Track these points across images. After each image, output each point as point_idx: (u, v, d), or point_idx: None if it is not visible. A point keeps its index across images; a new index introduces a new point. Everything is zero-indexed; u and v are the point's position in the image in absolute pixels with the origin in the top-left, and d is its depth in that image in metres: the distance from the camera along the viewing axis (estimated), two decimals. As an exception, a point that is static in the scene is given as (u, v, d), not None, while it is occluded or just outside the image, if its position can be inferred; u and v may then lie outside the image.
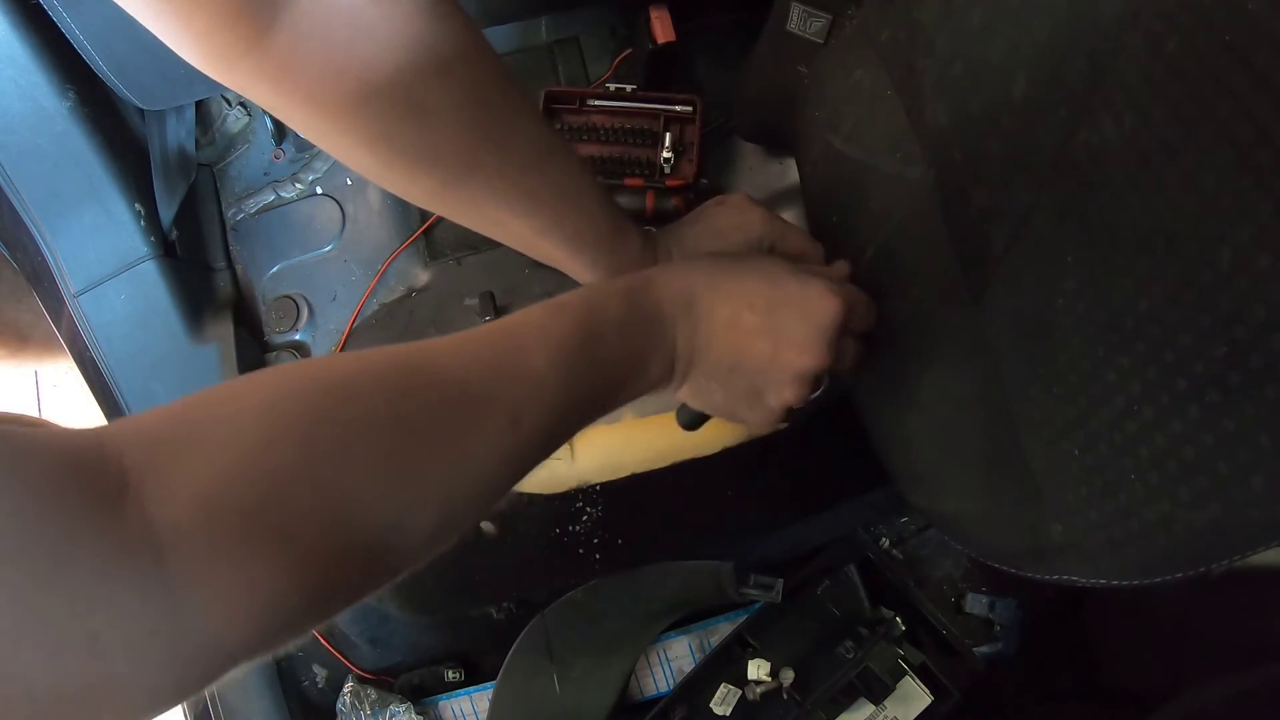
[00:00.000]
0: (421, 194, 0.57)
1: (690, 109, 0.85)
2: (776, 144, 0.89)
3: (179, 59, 0.79)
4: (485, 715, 0.84)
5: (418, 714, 0.83)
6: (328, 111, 0.50)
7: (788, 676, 0.77)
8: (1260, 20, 0.31)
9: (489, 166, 0.55)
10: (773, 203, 0.89)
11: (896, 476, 0.71)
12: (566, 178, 0.58)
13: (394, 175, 0.54)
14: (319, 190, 0.96)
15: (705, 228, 0.69)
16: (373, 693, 0.85)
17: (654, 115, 0.85)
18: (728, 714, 0.78)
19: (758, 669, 0.77)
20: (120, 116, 0.88)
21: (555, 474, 0.81)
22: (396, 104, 0.50)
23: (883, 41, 0.66)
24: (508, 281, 0.91)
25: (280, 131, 0.95)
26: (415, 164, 0.54)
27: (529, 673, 0.81)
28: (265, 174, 0.96)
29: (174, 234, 0.90)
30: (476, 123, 0.53)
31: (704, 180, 0.88)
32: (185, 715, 0.92)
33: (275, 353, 0.94)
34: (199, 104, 0.93)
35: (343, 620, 0.87)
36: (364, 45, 0.47)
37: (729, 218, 0.68)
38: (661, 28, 0.83)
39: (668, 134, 0.85)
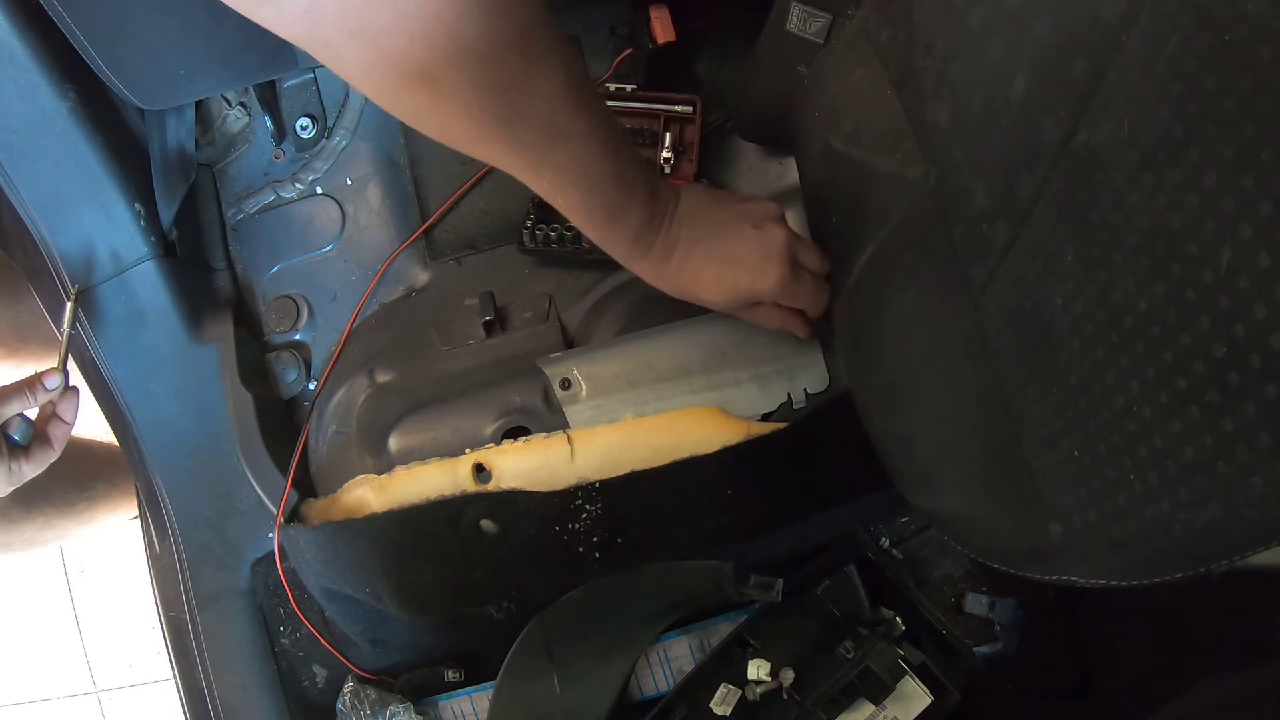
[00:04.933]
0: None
1: (690, 109, 0.85)
2: (776, 144, 0.89)
3: (179, 59, 0.79)
4: (485, 715, 0.84)
5: (418, 714, 0.83)
6: (343, 66, 0.52)
7: (788, 676, 0.77)
8: (1260, 19, 0.31)
9: (495, 142, 0.56)
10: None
11: (896, 476, 0.71)
12: (573, 160, 0.59)
13: (409, 124, 0.58)
14: (319, 190, 0.96)
15: (719, 245, 0.69)
16: (373, 693, 0.85)
17: (654, 115, 0.85)
18: (728, 714, 0.78)
19: (758, 669, 0.77)
20: (120, 116, 0.88)
21: (554, 471, 0.81)
22: (407, 75, 0.51)
23: (882, 41, 0.66)
24: (508, 281, 0.91)
25: (280, 131, 0.95)
26: (424, 127, 0.56)
27: (529, 673, 0.81)
28: (265, 174, 0.96)
29: (174, 234, 0.91)
30: (486, 104, 0.54)
31: (704, 180, 0.88)
32: (185, 715, 0.92)
33: (275, 353, 0.94)
34: (199, 104, 0.93)
35: (343, 620, 0.87)
36: (379, 11, 0.48)
37: (749, 252, 0.69)
38: (661, 28, 0.83)
39: (668, 134, 0.85)
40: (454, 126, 0.55)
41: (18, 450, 0.80)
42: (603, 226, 0.65)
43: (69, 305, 0.85)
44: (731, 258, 0.69)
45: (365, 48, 0.50)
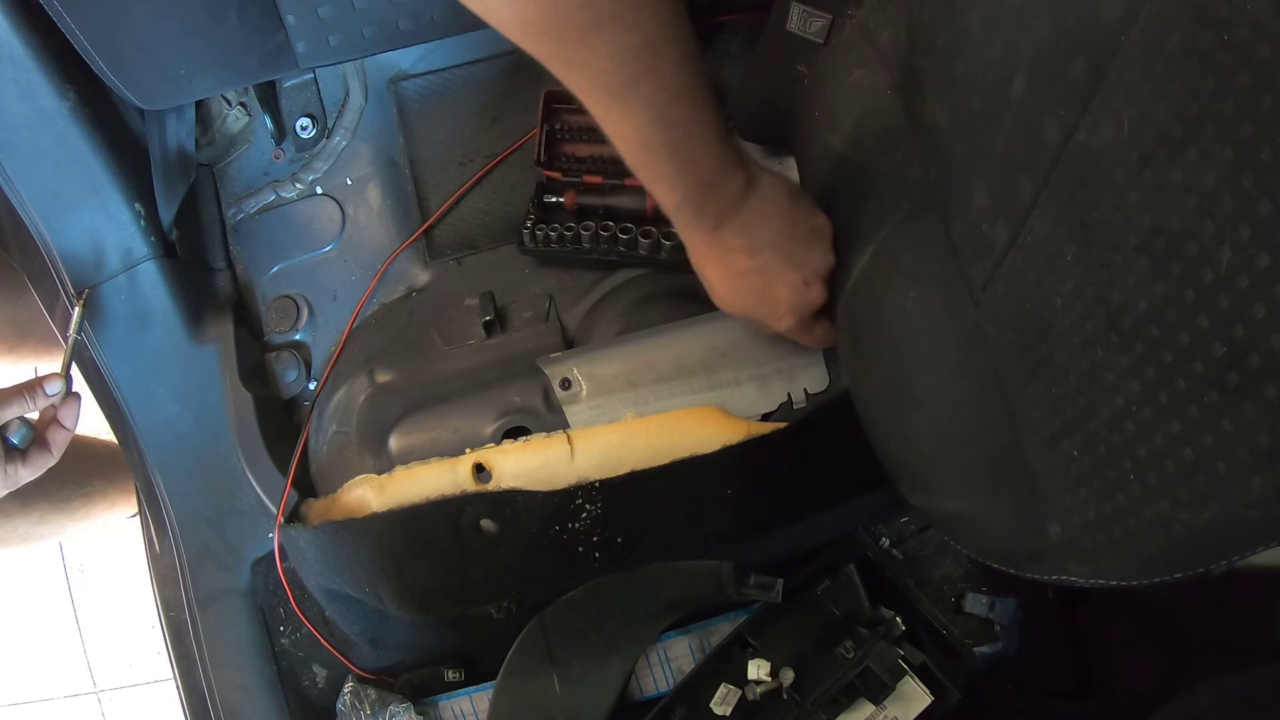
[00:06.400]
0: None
1: (690, 109, 0.84)
2: (776, 144, 0.89)
3: (179, 59, 0.79)
4: (485, 715, 0.84)
5: (418, 714, 0.83)
6: None
7: (788, 676, 0.77)
8: (1260, 19, 0.31)
9: (554, 70, 0.55)
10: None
11: (896, 476, 0.71)
12: (624, 120, 0.58)
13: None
14: (319, 190, 0.96)
15: (764, 274, 0.69)
16: (373, 693, 0.85)
17: (654, 115, 0.85)
18: (728, 714, 0.78)
19: (758, 669, 0.77)
20: (120, 116, 0.88)
21: (554, 471, 0.81)
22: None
23: (883, 41, 0.66)
24: (508, 281, 0.91)
25: (280, 131, 0.95)
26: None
27: (529, 673, 0.81)
28: (265, 174, 0.96)
29: (174, 234, 0.91)
30: (541, 41, 0.53)
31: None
32: (185, 715, 0.92)
33: (275, 353, 0.94)
34: (199, 104, 0.93)
35: (343, 620, 0.87)
36: None
37: (784, 300, 0.70)
38: (661, 28, 0.83)
39: (668, 134, 0.85)
40: (523, 45, 0.54)
41: (14, 453, 0.80)
42: (648, 184, 0.64)
43: (76, 311, 0.84)
44: (765, 288, 0.70)
45: None
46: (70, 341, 0.84)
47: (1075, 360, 0.44)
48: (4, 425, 0.79)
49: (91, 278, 0.87)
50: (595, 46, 0.53)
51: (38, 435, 0.81)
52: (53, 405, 0.82)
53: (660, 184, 0.63)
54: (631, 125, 0.58)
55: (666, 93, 0.56)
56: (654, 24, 0.53)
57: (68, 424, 0.83)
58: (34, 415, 0.82)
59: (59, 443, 0.82)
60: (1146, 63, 0.37)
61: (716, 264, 0.69)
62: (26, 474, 0.80)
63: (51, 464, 0.82)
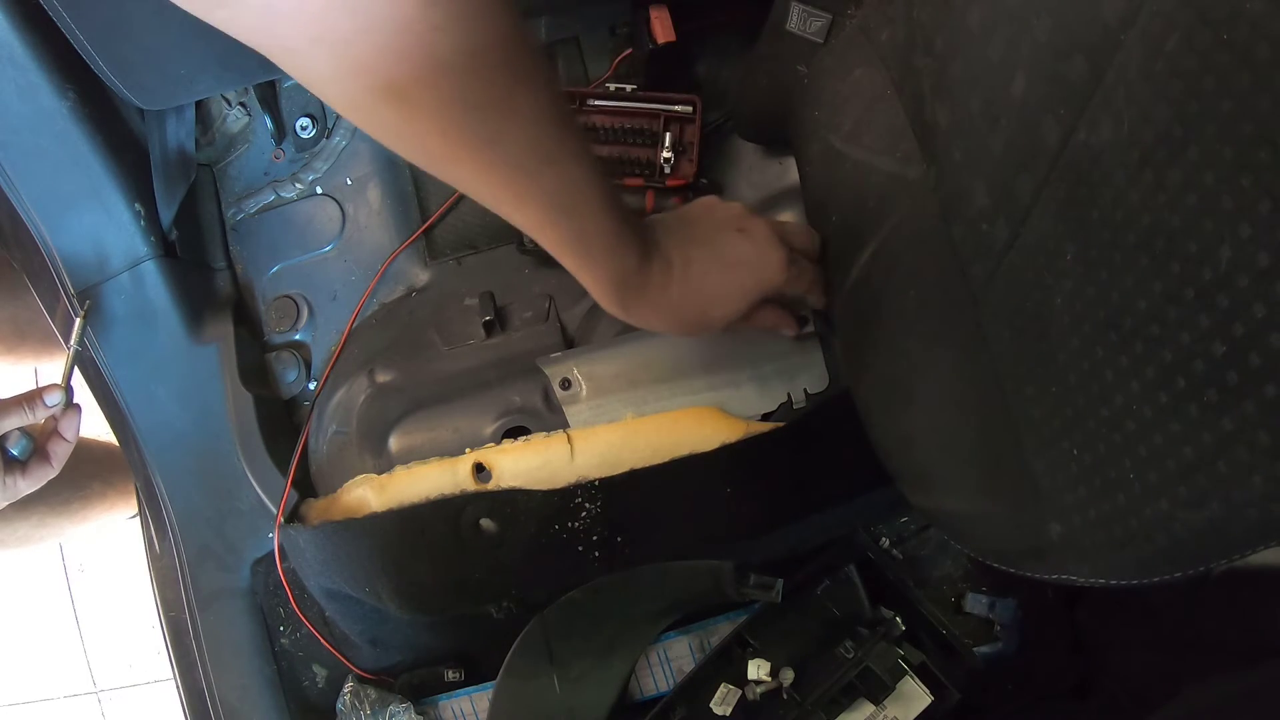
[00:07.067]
0: (412, 163, 0.60)
1: (690, 109, 0.85)
2: (776, 144, 0.89)
3: (179, 59, 0.78)
4: (485, 715, 0.84)
5: (418, 714, 0.83)
6: (307, 76, 0.47)
7: (788, 676, 0.77)
8: (1260, 18, 0.31)
9: (474, 165, 0.52)
10: (773, 203, 0.89)
11: (896, 475, 0.71)
12: (561, 187, 0.55)
13: (379, 141, 0.53)
14: (319, 190, 0.96)
15: (714, 255, 0.67)
16: (373, 693, 0.85)
17: (654, 115, 0.85)
18: (728, 714, 0.78)
19: (758, 669, 0.77)
20: (120, 116, 0.88)
21: (554, 471, 0.81)
22: (374, 89, 0.47)
23: (882, 41, 0.66)
24: (508, 281, 0.91)
25: (280, 131, 0.95)
26: (396, 146, 0.52)
27: (528, 673, 0.81)
28: (265, 174, 0.96)
29: (174, 234, 0.91)
30: (465, 124, 0.50)
31: (704, 180, 0.88)
32: (185, 715, 0.92)
33: (275, 353, 0.94)
34: (199, 104, 0.93)
35: (343, 620, 0.87)
36: (340, 17, 0.43)
37: (746, 251, 0.68)
38: (661, 27, 0.83)
39: (668, 134, 0.85)
40: (430, 147, 0.51)
41: (14, 465, 0.79)
42: (600, 261, 0.61)
43: (78, 322, 0.84)
44: (732, 262, 0.68)
45: (328, 56, 0.45)
46: (71, 352, 0.83)
47: (1075, 359, 0.44)
48: (3, 436, 0.79)
49: (91, 278, 0.87)
50: (522, 107, 0.49)
51: (38, 447, 0.81)
52: (53, 416, 0.82)
53: (613, 251, 0.60)
54: (572, 189, 0.55)
55: (585, 144, 0.55)
56: (552, 74, 0.52)
57: (68, 436, 0.82)
58: (37, 422, 0.82)
59: (59, 455, 0.82)
60: (1146, 62, 0.37)
61: (695, 293, 0.67)
62: (26, 486, 0.80)
63: (51, 476, 0.82)
